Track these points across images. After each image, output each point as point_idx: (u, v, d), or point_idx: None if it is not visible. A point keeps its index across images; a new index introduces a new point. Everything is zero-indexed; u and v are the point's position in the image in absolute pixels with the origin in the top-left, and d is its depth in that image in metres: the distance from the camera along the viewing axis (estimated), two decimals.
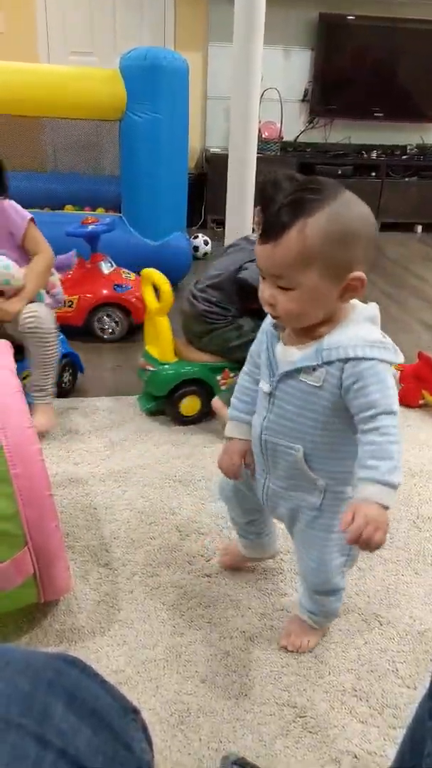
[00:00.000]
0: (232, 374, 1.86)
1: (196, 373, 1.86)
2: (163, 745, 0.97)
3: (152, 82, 2.74)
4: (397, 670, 1.12)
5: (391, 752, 0.96)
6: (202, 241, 3.75)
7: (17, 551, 1.02)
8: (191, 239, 3.63)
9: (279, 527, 1.24)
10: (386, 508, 0.84)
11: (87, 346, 2.42)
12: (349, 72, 4.65)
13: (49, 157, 3.56)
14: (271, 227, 0.85)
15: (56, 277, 1.97)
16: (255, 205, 2.62)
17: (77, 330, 2.46)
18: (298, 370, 0.91)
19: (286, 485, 1.02)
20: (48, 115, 2.96)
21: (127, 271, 2.61)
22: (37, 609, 1.20)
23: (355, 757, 0.97)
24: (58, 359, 1.85)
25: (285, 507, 1.04)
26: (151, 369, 1.89)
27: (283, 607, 1.24)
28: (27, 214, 1.80)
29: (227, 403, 1.67)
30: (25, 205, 1.85)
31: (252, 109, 2.13)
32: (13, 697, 0.45)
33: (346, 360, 0.86)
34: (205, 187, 4.45)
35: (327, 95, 4.69)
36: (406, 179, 4.71)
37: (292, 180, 0.90)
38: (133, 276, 2.57)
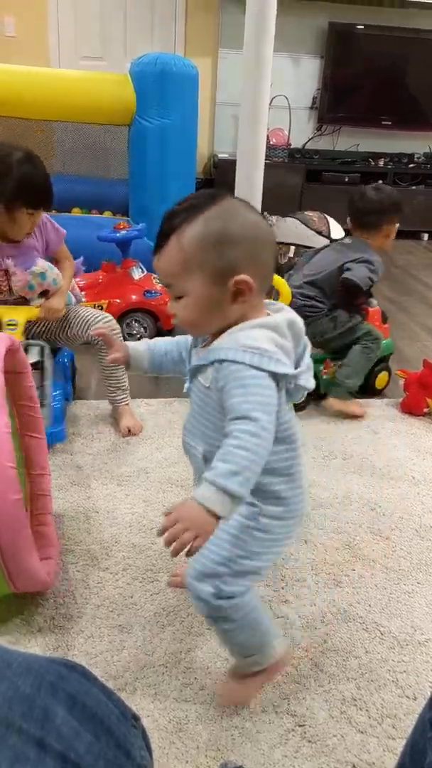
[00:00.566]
0: (332, 364, 2.11)
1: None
2: (160, 752, 0.96)
3: (162, 87, 2.75)
4: (397, 680, 1.11)
5: (391, 763, 0.95)
6: None
7: None
8: None
9: None
10: (212, 514, 0.76)
11: None
12: (358, 80, 4.66)
13: (58, 160, 3.58)
14: (155, 241, 0.87)
15: (75, 280, 2.07)
16: (262, 212, 2.63)
17: None
18: (198, 369, 0.90)
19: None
20: (58, 119, 2.98)
21: (157, 276, 2.61)
22: (36, 612, 1.20)
23: (354, 767, 0.96)
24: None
25: None
26: None
27: (284, 615, 1.24)
28: (63, 231, 1.89)
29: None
30: None
31: (261, 115, 2.14)
32: (14, 699, 0.45)
33: (220, 361, 0.84)
34: None
35: (335, 103, 4.71)
36: (413, 187, 4.71)
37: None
38: (160, 285, 2.58)
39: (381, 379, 2.24)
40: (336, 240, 3.09)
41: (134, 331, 2.56)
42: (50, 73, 3.10)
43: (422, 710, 0.75)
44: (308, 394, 2.16)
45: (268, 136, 3.98)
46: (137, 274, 2.56)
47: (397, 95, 4.72)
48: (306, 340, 0.92)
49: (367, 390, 2.19)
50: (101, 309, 2.45)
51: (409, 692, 1.09)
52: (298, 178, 4.57)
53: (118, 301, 2.49)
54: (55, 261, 1.89)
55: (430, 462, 1.82)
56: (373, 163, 4.78)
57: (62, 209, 3.22)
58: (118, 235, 2.48)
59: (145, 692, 1.06)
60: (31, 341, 1.81)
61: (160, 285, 2.56)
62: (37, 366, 1.73)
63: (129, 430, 1.87)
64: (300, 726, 1.02)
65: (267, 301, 0.93)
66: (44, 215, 1.82)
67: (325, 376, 2.10)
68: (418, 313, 3.19)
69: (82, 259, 2.32)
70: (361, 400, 2.17)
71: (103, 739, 0.47)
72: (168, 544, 0.75)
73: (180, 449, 1.78)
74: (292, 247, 3.10)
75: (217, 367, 0.84)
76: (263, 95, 2.13)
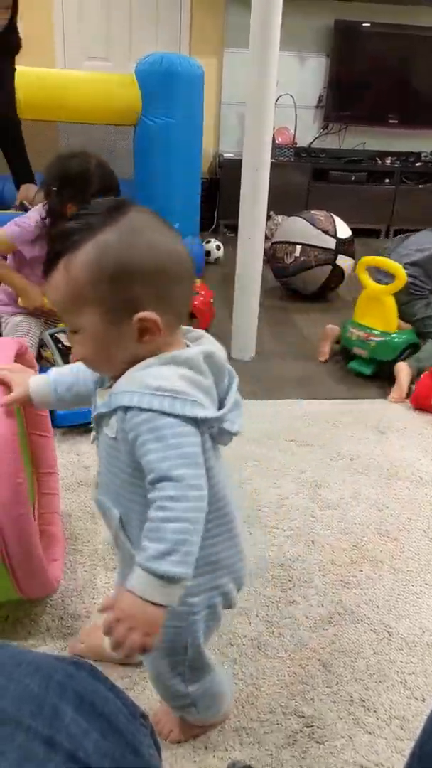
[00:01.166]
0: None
1: (415, 339, 2.31)
2: (169, 752, 0.96)
3: (167, 87, 2.75)
4: (405, 682, 1.11)
5: (399, 765, 0.95)
6: (214, 246, 3.75)
7: None
8: (203, 244, 3.63)
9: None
10: (155, 604, 0.65)
11: None
12: (364, 78, 4.64)
13: None
14: (45, 263, 0.73)
15: None
16: (268, 212, 2.63)
17: None
18: (102, 417, 0.75)
19: (119, 557, 0.86)
20: (64, 120, 2.99)
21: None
22: (44, 611, 1.20)
23: None
24: None
25: None
26: (377, 339, 2.26)
27: (292, 616, 1.23)
28: None
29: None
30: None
31: (267, 114, 2.13)
32: (23, 698, 0.45)
33: (126, 409, 0.69)
34: (218, 192, 4.46)
35: (341, 101, 4.69)
36: (420, 186, 4.69)
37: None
38: (198, 281, 2.59)
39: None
40: (344, 239, 3.08)
41: None
42: (56, 74, 3.11)
43: (430, 712, 0.74)
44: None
45: (273, 135, 3.97)
46: None
47: (404, 93, 4.70)
48: (232, 373, 0.79)
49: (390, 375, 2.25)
50: None
51: (418, 694, 1.09)
52: (304, 177, 4.56)
53: None
54: None
55: None
56: (379, 162, 4.76)
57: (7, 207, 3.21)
58: None
59: (153, 692, 1.06)
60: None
61: (199, 282, 2.56)
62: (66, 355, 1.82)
63: None
64: (308, 727, 1.02)
65: (185, 328, 0.79)
66: None
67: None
68: None
69: None
70: (368, 400, 2.17)
71: (111, 738, 0.47)
72: (115, 649, 0.65)
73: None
74: (298, 246, 3.10)
75: (122, 417, 0.70)
76: (269, 94, 2.13)
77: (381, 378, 2.32)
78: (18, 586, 1.05)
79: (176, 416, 0.68)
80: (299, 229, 3.14)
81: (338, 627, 1.22)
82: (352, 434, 1.93)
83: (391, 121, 4.76)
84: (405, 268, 2.21)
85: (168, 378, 0.69)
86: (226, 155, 4.55)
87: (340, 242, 3.09)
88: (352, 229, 3.22)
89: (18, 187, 2.36)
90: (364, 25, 4.49)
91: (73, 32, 4.37)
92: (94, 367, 0.78)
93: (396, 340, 2.28)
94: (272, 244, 3.21)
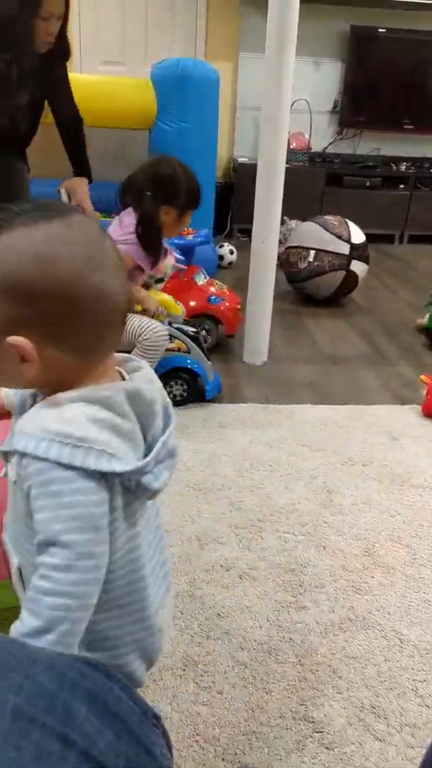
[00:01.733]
0: None
1: None
2: (177, 755, 0.96)
3: (182, 91, 2.77)
4: (416, 689, 1.10)
5: None
6: (227, 250, 3.76)
7: None
8: (217, 248, 3.64)
9: None
10: None
11: None
12: (379, 84, 4.64)
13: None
14: None
15: None
16: (282, 216, 2.63)
17: None
18: (4, 455, 0.66)
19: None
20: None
21: (218, 282, 2.64)
22: None
23: None
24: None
25: None
26: None
27: (302, 621, 1.23)
28: None
29: None
30: None
31: (282, 119, 2.14)
32: (37, 695, 0.45)
33: (22, 454, 0.60)
34: (232, 197, 4.46)
35: (356, 106, 4.69)
36: None
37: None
38: (225, 288, 2.60)
39: None
40: (357, 244, 3.08)
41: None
42: (72, 79, 3.13)
43: None
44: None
45: (288, 140, 3.98)
46: (201, 279, 2.57)
47: (419, 99, 4.69)
48: (170, 416, 0.68)
49: None
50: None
51: (429, 701, 1.08)
52: (318, 182, 4.55)
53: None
54: None
55: None
56: (394, 167, 4.74)
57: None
58: (183, 241, 2.50)
59: (163, 695, 1.06)
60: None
61: (226, 289, 2.59)
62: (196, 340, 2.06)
63: None
64: (318, 732, 1.02)
65: (123, 356, 0.70)
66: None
67: None
68: None
69: None
70: (381, 406, 2.16)
71: (124, 738, 0.47)
72: None
73: (197, 453, 1.79)
74: (312, 252, 3.10)
75: (19, 461, 0.61)
76: (285, 99, 2.13)
77: (393, 383, 2.31)
78: None
79: (76, 469, 0.58)
80: (313, 234, 3.14)
81: (349, 633, 1.21)
82: (365, 440, 1.92)
83: (406, 126, 4.74)
84: None
85: (72, 421, 0.59)
86: (241, 160, 4.56)
87: (354, 247, 3.08)
88: (366, 235, 3.21)
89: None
90: (380, 30, 4.49)
91: (89, 37, 4.40)
92: None
93: None
94: (286, 248, 3.21)
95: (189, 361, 2.05)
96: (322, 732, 1.02)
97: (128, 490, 0.62)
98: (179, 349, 2.06)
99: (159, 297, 2.06)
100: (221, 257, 3.69)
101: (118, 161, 3.79)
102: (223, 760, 0.96)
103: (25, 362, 0.60)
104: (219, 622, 1.22)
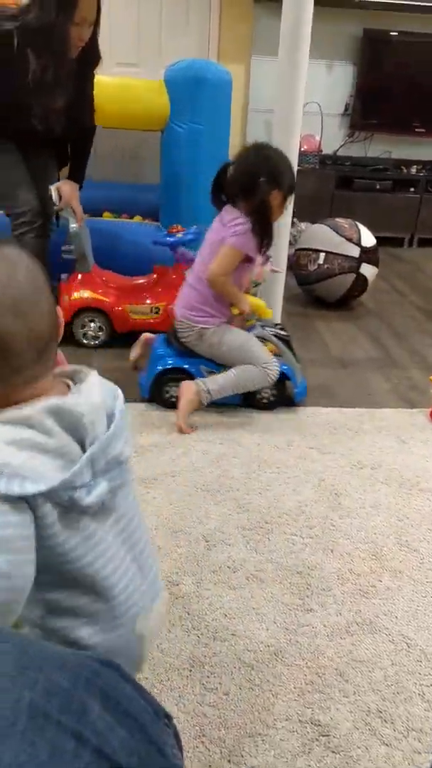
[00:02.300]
0: None
1: None
2: (183, 757, 0.96)
3: (196, 93, 2.77)
4: (423, 694, 1.10)
5: None
6: None
7: None
8: None
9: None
10: None
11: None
12: (391, 87, 4.63)
13: (89, 165, 3.63)
14: None
15: None
16: (292, 218, 2.64)
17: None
18: None
19: None
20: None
21: None
22: None
23: None
24: None
25: None
26: None
27: (309, 624, 1.23)
28: None
29: None
30: None
31: (295, 122, 2.14)
32: (53, 692, 0.46)
33: None
34: None
35: (368, 109, 4.68)
36: None
37: None
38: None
39: None
40: (368, 247, 3.07)
41: None
42: None
43: None
44: None
45: (299, 142, 3.98)
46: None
47: (431, 102, 4.68)
48: (111, 433, 0.68)
49: None
50: (159, 311, 2.49)
51: None
52: (329, 185, 4.55)
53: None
54: None
55: None
56: (405, 171, 4.73)
57: (94, 214, 3.25)
58: (173, 239, 2.50)
59: (169, 696, 1.06)
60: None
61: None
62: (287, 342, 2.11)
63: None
64: (324, 736, 1.01)
65: (72, 368, 0.72)
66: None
67: None
68: None
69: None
70: (390, 409, 2.15)
71: (136, 736, 0.48)
72: None
73: (206, 454, 1.80)
74: (322, 254, 3.09)
75: None
76: (297, 102, 2.13)
77: (402, 387, 2.30)
78: None
79: None
80: (323, 236, 3.14)
81: (356, 636, 1.21)
82: (374, 443, 1.92)
83: (417, 129, 4.73)
84: None
85: None
86: None
87: (364, 250, 3.08)
88: (376, 238, 3.20)
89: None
90: (392, 33, 4.48)
91: (103, 38, 4.40)
92: None
93: None
94: (296, 251, 3.21)
95: (281, 365, 2.03)
96: (328, 735, 1.01)
97: (62, 506, 0.63)
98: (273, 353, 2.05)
99: (252, 300, 2.07)
100: None
101: (127, 162, 3.80)
102: (228, 761, 0.96)
103: None
104: (226, 623, 1.22)
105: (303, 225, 3.66)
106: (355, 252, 3.06)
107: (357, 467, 1.78)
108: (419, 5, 4.33)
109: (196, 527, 1.48)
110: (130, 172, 3.82)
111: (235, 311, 2.00)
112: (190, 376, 2.00)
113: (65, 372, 0.71)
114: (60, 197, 2.33)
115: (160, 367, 2.02)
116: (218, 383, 1.93)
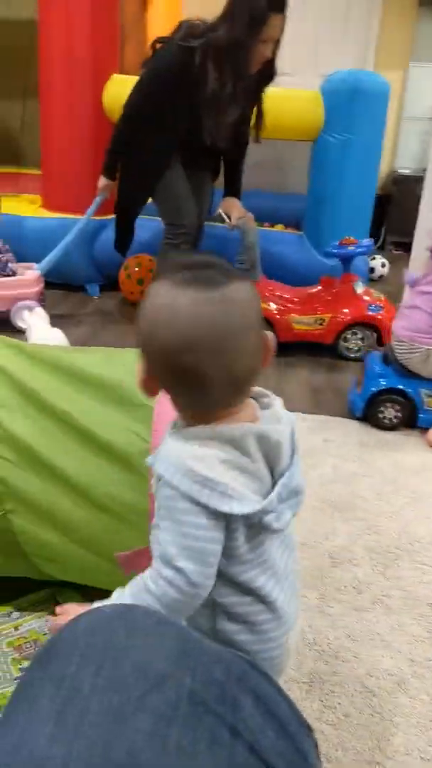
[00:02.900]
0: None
1: None
2: None
3: (352, 104, 2.75)
4: None
5: None
6: (379, 263, 3.68)
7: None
8: (369, 261, 3.58)
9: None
10: None
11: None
12: None
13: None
14: None
15: None
16: None
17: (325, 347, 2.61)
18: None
19: None
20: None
21: (375, 291, 2.67)
22: None
23: None
24: None
25: None
26: None
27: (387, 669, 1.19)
28: None
29: None
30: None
31: None
32: (209, 682, 0.48)
33: (159, 477, 0.68)
34: (389, 209, 4.36)
35: None
36: None
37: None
38: (382, 296, 2.62)
39: None
40: None
41: (352, 345, 2.60)
42: None
43: None
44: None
45: None
46: (359, 288, 2.60)
47: None
48: (291, 459, 0.72)
49: None
50: (323, 322, 2.53)
51: None
52: None
53: (341, 316, 2.54)
54: None
55: None
56: None
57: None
58: (346, 251, 2.52)
59: None
60: None
61: (383, 298, 2.61)
62: None
63: None
64: None
65: (259, 391, 0.74)
66: None
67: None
68: None
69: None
70: None
71: (283, 740, 0.49)
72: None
73: (336, 469, 1.78)
74: None
75: (157, 480, 0.69)
76: None
77: None
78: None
79: (199, 505, 0.64)
80: None
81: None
82: None
83: None
84: None
85: (203, 460, 0.65)
86: (402, 171, 4.44)
87: None
88: None
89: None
90: None
91: None
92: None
93: None
94: None
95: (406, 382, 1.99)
96: None
97: (251, 527, 0.68)
98: None
99: None
100: (372, 269, 3.62)
101: (275, 171, 3.84)
102: None
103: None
104: (348, 644, 1.21)
105: None
106: None
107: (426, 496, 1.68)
108: None
109: (322, 543, 1.48)
110: (273, 182, 3.86)
111: None
112: (407, 398, 1.97)
113: (252, 392, 0.74)
114: (228, 216, 2.40)
115: (374, 389, 2.00)
116: None
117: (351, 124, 2.77)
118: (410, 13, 4.32)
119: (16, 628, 1.18)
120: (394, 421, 2.00)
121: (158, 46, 2.20)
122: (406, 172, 4.37)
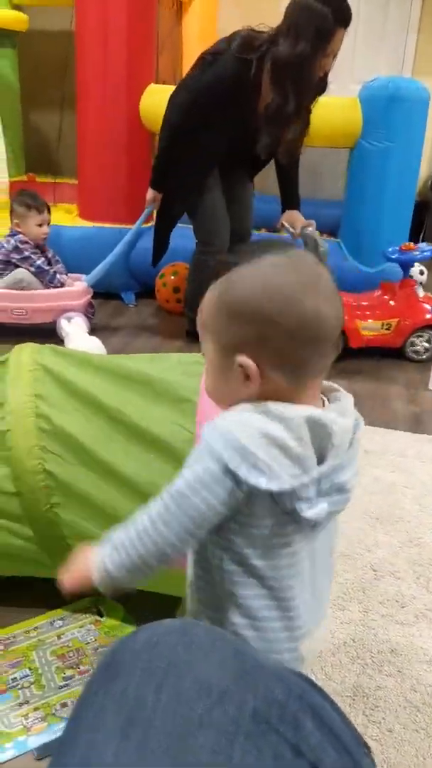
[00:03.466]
0: None
1: None
2: None
3: (390, 112, 2.73)
4: None
5: None
6: (417, 271, 3.62)
7: None
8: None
9: None
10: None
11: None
12: None
13: (269, 177, 3.72)
14: None
15: None
16: None
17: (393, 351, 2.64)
18: None
19: None
20: None
21: None
22: None
23: None
24: None
25: None
26: None
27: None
28: None
29: None
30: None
31: None
32: (271, 701, 0.49)
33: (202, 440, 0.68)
34: (427, 216, 4.31)
35: None
36: None
37: None
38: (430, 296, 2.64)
39: None
40: None
41: (418, 347, 2.63)
42: None
43: None
44: None
45: None
46: (421, 292, 2.62)
47: None
48: (352, 453, 0.70)
49: None
50: (391, 327, 2.55)
51: None
52: None
53: (409, 320, 2.57)
54: None
55: None
56: None
57: (269, 228, 3.32)
58: (407, 256, 2.55)
59: None
60: None
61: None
62: None
63: None
64: None
65: (329, 385, 0.75)
66: None
67: None
68: None
69: None
70: None
71: (344, 758, 0.49)
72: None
73: (377, 481, 1.77)
74: None
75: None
76: None
77: None
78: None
79: (228, 472, 0.64)
80: None
81: None
82: None
83: None
84: None
85: (243, 427, 0.65)
86: None
87: None
88: None
89: (283, 211, 2.54)
90: None
91: None
92: (215, 401, 0.74)
93: None
94: None
95: None
96: None
97: (285, 513, 0.66)
98: None
99: None
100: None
101: (307, 178, 3.82)
102: None
103: (247, 381, 0.67)
104: (392, 658, 1.20)
105: None
106: None
107: None
108: None
109: (363, 555, 1.47)
110: (308, 188, 3.84)
111: None
112: None
113: (322, 386, 0.74)
114: (292, 225, 2.42)
115: None
116: None
117: (390, 131, 2.75)
118: None
119: (58, 637, 1.20)
120: None
121: (208, 57, 2.15)
122: None
